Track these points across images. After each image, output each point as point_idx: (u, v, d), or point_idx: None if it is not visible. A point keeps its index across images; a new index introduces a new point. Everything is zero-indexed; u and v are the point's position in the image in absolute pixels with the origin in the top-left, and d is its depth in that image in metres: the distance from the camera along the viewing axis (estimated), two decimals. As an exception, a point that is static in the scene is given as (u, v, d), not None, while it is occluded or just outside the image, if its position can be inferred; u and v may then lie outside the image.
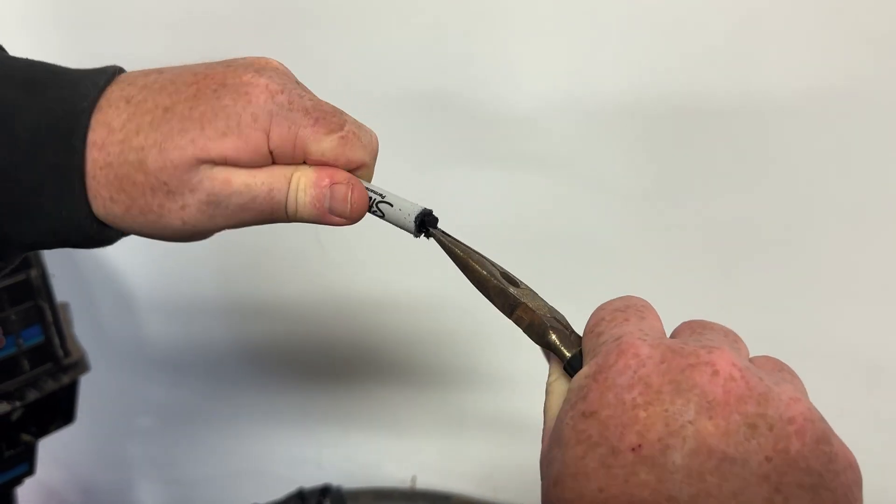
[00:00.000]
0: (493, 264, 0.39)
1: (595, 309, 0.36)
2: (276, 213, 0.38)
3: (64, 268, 0.88)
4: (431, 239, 0.40)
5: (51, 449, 0.89)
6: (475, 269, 0.39)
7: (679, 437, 0.28)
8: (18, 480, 0.82)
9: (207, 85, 0.37)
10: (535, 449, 0.96)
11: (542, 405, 0.36)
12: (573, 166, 0.74)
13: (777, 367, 0.32)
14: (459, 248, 0.39)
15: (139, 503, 1.17)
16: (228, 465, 1.07)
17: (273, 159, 0.38)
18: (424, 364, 0.89)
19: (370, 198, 0.40)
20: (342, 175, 0.38)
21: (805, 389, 0.32)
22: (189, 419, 1.07)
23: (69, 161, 0.36)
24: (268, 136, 0.37)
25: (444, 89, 0.75)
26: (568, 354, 0.36)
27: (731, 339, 0.33)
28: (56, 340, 0.77)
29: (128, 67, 0.40)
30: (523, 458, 0.90)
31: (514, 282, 0.39)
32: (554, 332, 0.36)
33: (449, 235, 0.40)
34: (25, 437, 0.77)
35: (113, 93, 0.37)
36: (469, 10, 0.71)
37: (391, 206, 0.40)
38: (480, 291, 0.39)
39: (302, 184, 0.38)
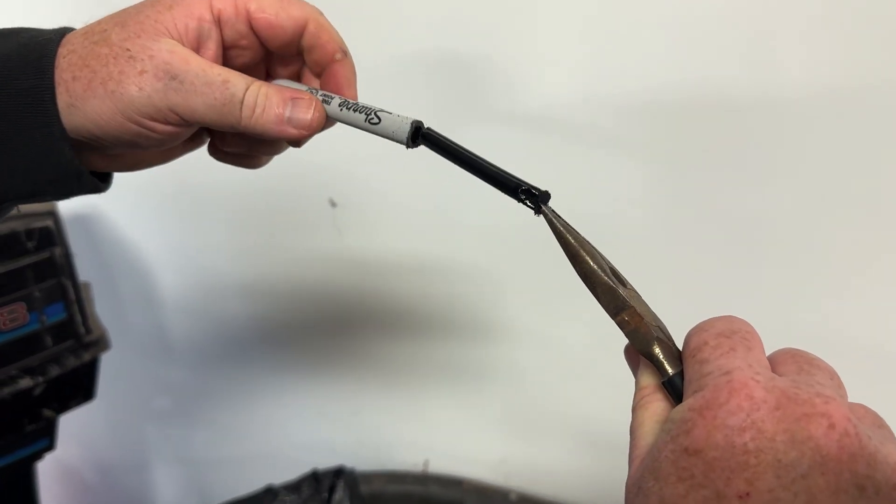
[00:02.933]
0: (603, 258, 0.38)
1: (695, 327, 0.35)
2: (228, 107, 0.39)
3: (86, 248, 0.89)
4: (422, 147, 0.40)
5: (69, 427, 0.90)
6: (585, 260, 0.37)
7: (790, 491, 0.28)
8: (39, 455, 0.83)
9: None
10: (548, 438, 0.97)
11: (631, 421, 0.35)
12: (588, 161, 0.74)
13: (877, 423, 0.32)
14: (572, 235, 0.37)
15: (155, 482, 1.19)
16: (243, 446, 1.08)
17: (221, 30, 0.41)
18: (439, 349, 0.89)
19: (365, 109, 0.41)
20: (305, 93, 0.41)
21: None
22: (205, 400, 1.08)
23: (40, 82, 0.38)
24: (210, 5, 0.40)
25: (469, 76, 0.75)
26: (670, 372, 0.34)
27: (837, 382, 0.32)
28: (78, 318, 0.78)
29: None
30: (536, 444, 0.91)
31: (622, 281, 0.37)
32: (659, 345, 0.35)
33: (561, 218, 0.38)
34: (47, 413, 0.78)
35: (74, 31, 0.41)
36: (487, 5, 0.71)
37: (389, 113, 0.40)
38: (585, 284, 0.37)
39: (263, 91, 0.40)
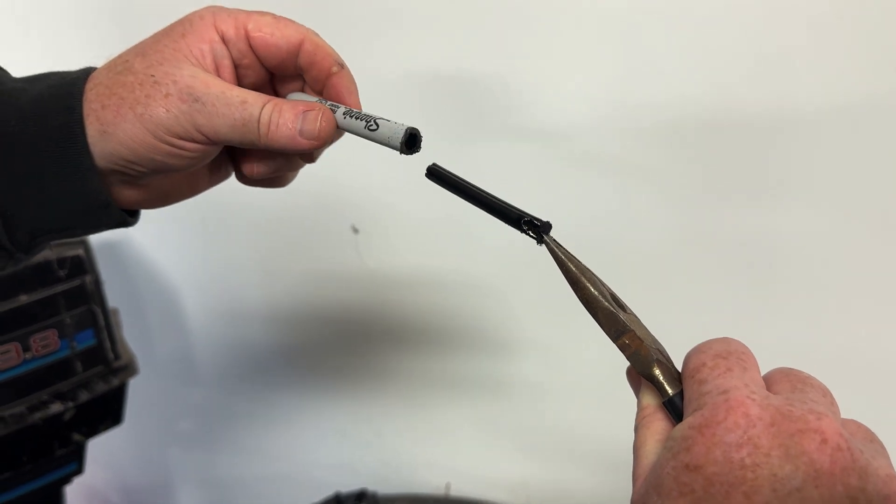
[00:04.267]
0: (604, 284, 0.39)
1: (693, 349, 0.37)
2: (248, 125, 0.42)
3: (114, 275, 0.91)
4: (437, 185, 0.41)
5: (95, 450, 0.92)
6: (586, 287, 0.38)
7: None
8: (68, 479, 0.84)
9: (164, 29, 0.44)
10: (570, 460, 0.96)
11: (634, 441, 0.37)
12: (611, 178, 0.74)
13: (869, 437, 0.33)
14: (573, 263, 0.39)
15: (179, 504, 1.20)
16: (266, 468, 1.09)
17: (228, 48, 0.43)
18: (461, 371, 0.89)
19: (366, 117, 0.43)
20: (315, 105, 0.43)
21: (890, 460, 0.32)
22: (229, 423, 1.09)
23: (70, 118, 0.40)
24: (216, 28, 0.43)
25: (484, 97, 0.76)
26: (670, 392, 0.36)
27: (829, 399, 0.34)
28: (107, 343, 0.80)
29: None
30: (557, 467, 0.91)
31: (622, 306, 0.39)
32: (659, 367, 0.37)
33: (562, 247, 0.40)
34: (76, 437, 0.80)
35: (98, 68, 0.43)
36: (512, 20, 0.72)
37: (388, 121, 0.42)
38: (587, 309, 0.39)
39: (277, 107, 0.42)
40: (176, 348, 1.06)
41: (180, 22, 0.43)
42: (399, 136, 0.41)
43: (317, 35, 0.45)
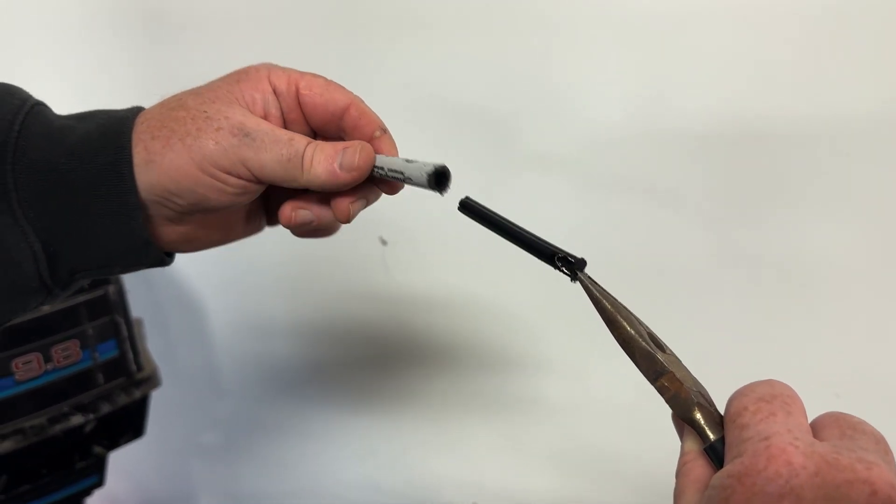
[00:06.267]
0: (641, 323, 0.38)
1: (736, 392, 0.35)
2: (293, 161, 0.43)
3: (138, 285, 0.90)
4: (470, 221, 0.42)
5: (117, 461, 0.91)
6: (623, 326, 0.38)
7: None
8: (88, 492, 0.84)
9: (220, 77, 0.46)
10: (597, 481, 0.95)
11: (675, 488, 0.35)
12: (640, 191, 0.73)
13: None
14: (609, 301, 0.38)
15: (200, 518, 1.19)
16: (290, 483, 1.07)
17: (278, 100, 0.45)
18: (489, 389, 0.88)
19: (392, 165, 0.44)
20: (354, 142, 0.45)
21: None
22: (253, 436, 1.08)
23: (119, 156, 0.41)
24: (269, 80, 0.45)
25: (511, 108, 0.75)
26: (712, 437, 0.35)
27: (883, 448, 0.32)
28: (130, 355, 0.79)
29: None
30: (584, 488, 0.89)
31: (660, 346, 0.38)
32: (700, 410, 0.35)
33: (597, 284, 0.39)
34: (97, 450, 0.79)
35: (150, 108, 0.45)
36: (543, 32, 0.71)
37: (412, 162, 0.42)
38: (624, 349, 0.38)
39: (320, 147, 0.44)
40: (200, 360, 1.05)
41: (236, 71, 0.46)
42: (426, 172, 0.41)
43: (363, 102, 0.46)
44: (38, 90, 0.46)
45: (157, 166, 0.41)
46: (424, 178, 0.41)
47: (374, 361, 0.94)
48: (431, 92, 0.77)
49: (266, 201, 0.50)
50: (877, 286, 0.67)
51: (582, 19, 0.70)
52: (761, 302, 0.71)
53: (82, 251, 0.43)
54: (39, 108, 0.44)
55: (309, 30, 0.80)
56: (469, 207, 0.44)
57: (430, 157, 0.43)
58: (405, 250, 0.85)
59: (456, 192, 0.43)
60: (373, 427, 0.98)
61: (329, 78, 0.47)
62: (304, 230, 0.49)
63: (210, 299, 1.01)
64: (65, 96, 0.53)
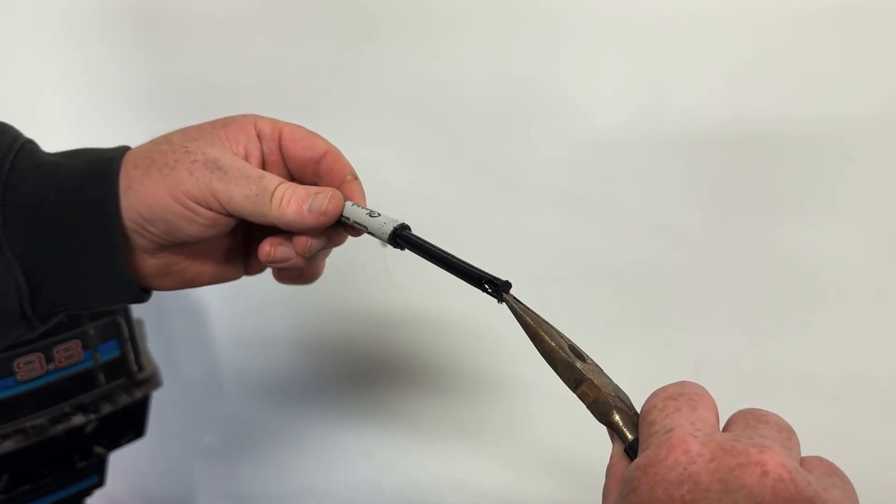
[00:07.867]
0: (562, 336, 0.41)
1: (651, 394, 0.37)
2: (261, 197, 0.45)
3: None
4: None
5: (117, 462, 0.91)
6: (544, 339, 0.40)
7: None
8: (89, 492, 0.84)
9: (209, 121, 0.48)
10: (595, 488, 0.94)
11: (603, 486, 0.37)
12: (641, 191, 0.73)
13: (829, 472, 0.33)
14: (530, 317, 0.41)
15: (201, 519, 1.19)
16: (291, 484, 1.07)
17: (261, 143, 0.48)
18: (490, 392, 0.88)
19: (369, 209, 0.47)
20: (327, 188, 0.47)
21: (856, 496, 0.32)
22: (254, 437, 1.08)
23: (106, 194, 0.44)
24: (255, 126, 0.48)
25: (511, 108, 0.75)
26: (629, 437, 0.36)
27: (785, 435, 0.34)
28: (131, 355, 0.79)
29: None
30: (583, 496, 0.88)
31: (580, 356, 0.40)
32: (618, 413, 0.37)
33: (521, 303, 0.41)
34: (98, 450, 0.79)
35: (135, 147, 0.47)
36: (541, 35, 0.71)
37: (378, 215, 0.46)
38: (547, 362, 0.40)
39: (292, 188, 0.46)
40: (201, 360, 1.05)
41: (224, 117, 0.49)
42: (388, 230, 0.45)
43: (339, 151, 0.50)
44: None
45: (133, 192, 0.44)
46: (385, 236, 0.45)
47: (375, 362, 0.94)
48: (431, 92, 0.77)
49: (247, 249, 0.53)
50: (876, 288, 0.67)
51: (582, 19, 0.70)
52: (761, 304, 0.71)
53: (65, 285, 0.44)
54: (30, 145, 0.45)
55: (309, 30, 0.80)
56: (403, 238, 0.46)
57: (394, 214, 0.47)
58: (406, 257, 0.85)
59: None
60: (375, 427, 0.98)
61: (309, 129, 0.50)
62: (286, 274, 0.52)
63: (210, 300, 1.01)
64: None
